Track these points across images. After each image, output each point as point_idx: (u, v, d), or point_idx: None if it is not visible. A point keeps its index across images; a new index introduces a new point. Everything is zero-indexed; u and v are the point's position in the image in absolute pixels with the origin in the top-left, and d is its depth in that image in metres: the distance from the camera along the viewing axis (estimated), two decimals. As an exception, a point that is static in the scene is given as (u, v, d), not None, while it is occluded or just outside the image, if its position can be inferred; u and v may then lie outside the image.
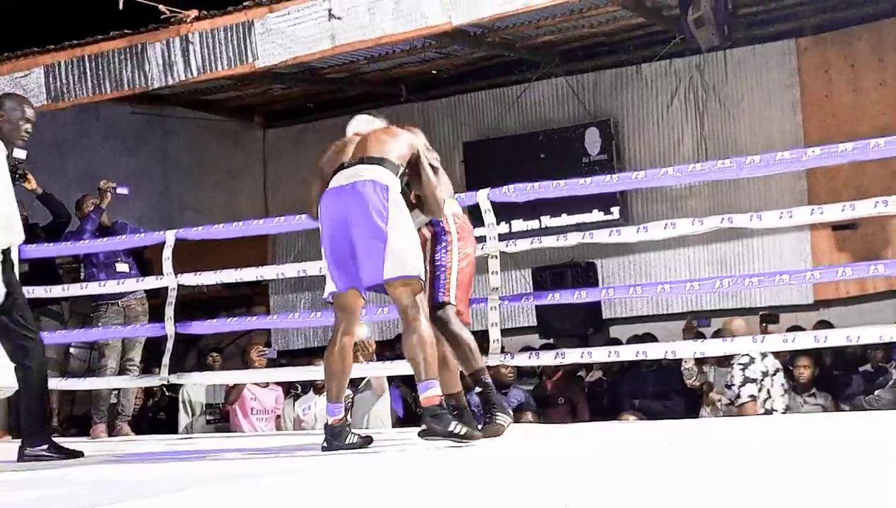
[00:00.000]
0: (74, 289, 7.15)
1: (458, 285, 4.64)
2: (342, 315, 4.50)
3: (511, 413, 4.68)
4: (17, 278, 5.03)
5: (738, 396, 6.91)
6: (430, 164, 4.65)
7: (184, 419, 8.06)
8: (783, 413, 6.90)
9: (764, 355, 6.80)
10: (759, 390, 6.94)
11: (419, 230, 4.64)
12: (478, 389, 4.70)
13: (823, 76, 9.29)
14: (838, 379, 7.64)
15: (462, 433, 4.20)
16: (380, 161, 4.45)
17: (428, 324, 4.34)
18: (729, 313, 8.91)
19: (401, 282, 4.32)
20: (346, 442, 4.49)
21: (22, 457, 4.83)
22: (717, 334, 7.69)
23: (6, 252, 4.88)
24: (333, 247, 4.42)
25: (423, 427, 4.27)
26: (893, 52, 9.01)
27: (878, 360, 7.36)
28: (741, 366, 6.95)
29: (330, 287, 4.46)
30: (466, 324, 4.71)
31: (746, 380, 6.95)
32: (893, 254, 8.67)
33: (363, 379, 7.16)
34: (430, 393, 4.25)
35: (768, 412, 6.93)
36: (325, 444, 4.49)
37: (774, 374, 7.00)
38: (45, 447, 4.85)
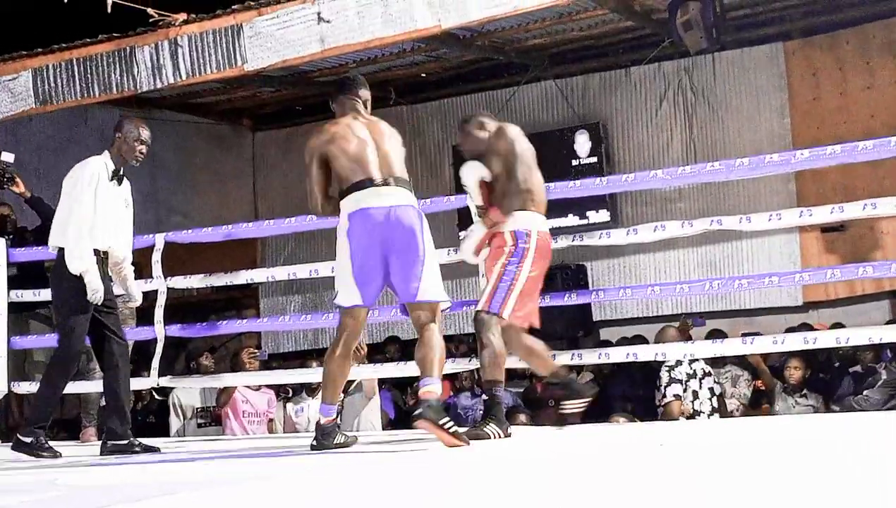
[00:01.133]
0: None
1: (517, 300, 4.79)
2: (352, 324, 4.65)
3: (506, 432, 4.73)
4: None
5: (664, 396, 7.05)
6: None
7: (175, 423, 8.03)
8: (709, 416, 7.00)
9: (694, 359, 6.92)
10: (685, 391, 7.10)
11: (496, 235, 4.85)
12: (485, 397, 4.90)
13: (811, 79, 9.33)
14: (828, 381, 7.66)
15: (451, 430, 4.33)
16: (407, 183, 4.65)
17: (440, 335, 4.55)
18: (719, 315, 8.95)
19: (429, 306, 4.55)
20: (335, 442, 4.61)
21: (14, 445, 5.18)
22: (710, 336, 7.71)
23: (100, 256, 5.21)
24: (364, 264, 4.54)
25: (418, 412, 4.38)
26: (881, 55, 9.05)
27: (868, 361, 7.38)
28: (667, 368, 7.13)
29: (353, 299, 4.56)
30: (530, 327, 4.96)
31: (672, 381, 7.11)
32: (882, 256, 8.70)
33: (352, 381, 7.16)
34: (435, 388, 4.43)
35: (696, 413, 7.04)
36: (314, 443, 4.59)
37: (703, 377, 7.11)
38: (31, 440, 5.15)
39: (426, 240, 4.57)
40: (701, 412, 7.11)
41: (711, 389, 7.18)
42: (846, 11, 8.97)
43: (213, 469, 4.34)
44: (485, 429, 4.70)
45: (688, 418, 7.06)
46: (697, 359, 6.97)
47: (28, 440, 5.15)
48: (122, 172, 5.36)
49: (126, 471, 4.56)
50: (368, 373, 6.78)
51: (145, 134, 5.35)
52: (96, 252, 5.19)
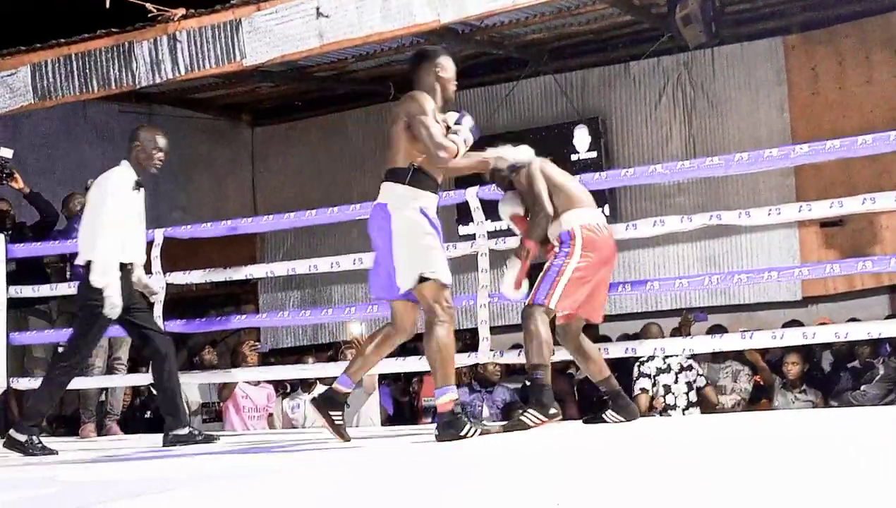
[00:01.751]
0: (62, 288, 7.12)
1: (565, 290, 4.77)
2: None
3: (548, 414, 4.70)
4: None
5: (632, 390, 7.12)
6: (423, 127, 4.59)
7: (178, 419, 8.03)
8: (685, 410, 7.02)
9: (669, 355, 6.96)
10: (653, 385, 7.19)
11: (549, 249, 4.89)
12: (527, 382, 4.90)
13: (811, 73, 9.32)
14: (827, 376, 7.67)
15: (475, 435, 4.41)
16: (390, 173, 4.64)
17: (448, 327, 4.53)
18: (718, 310, 8.95)
19: (417, 290, 4.54)
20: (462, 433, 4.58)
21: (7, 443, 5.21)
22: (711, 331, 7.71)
23: (128, 269, 5.33)
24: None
25: (438, 432, 4.47)
26: (880, 49, 9.04)
27: (866, 356, 7.39)
28: (638, 363, 7.23)
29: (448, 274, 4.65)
30: (592, 323, 5.04)
31: (640, 375, 7.22)
32: (881, 251, 8.71)
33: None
34: (444, 399, 4.46)
35: (670, 407, 7.07)
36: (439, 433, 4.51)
37: (680, 372, 7.13)
38: (25, 439, 5.18)
39: (393, 231, 4.51)
40: (675, 406, 7.13)
41: (689, 383, 7.21)
42: (845, 6, 8.97)
43: (211, 465, 4.34)
44: (522, 418, 4.70)
45: (661, 413, 7.08)
46: (673, 355, 6.99)
47: (22, 438, 5.19)
48: (141, 181, 5.44)
49: (125, 468, 4.56)
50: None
51: (162, 141, 5.45)
52: (122, 265, 5.28)
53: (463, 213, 8.17)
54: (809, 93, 9.31)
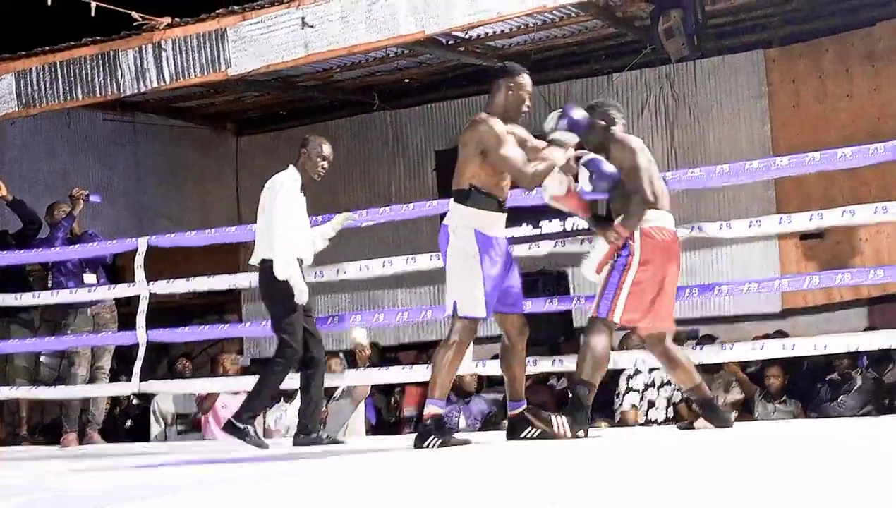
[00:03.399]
0: (45, 297, 7.12)
1: (628, 306, 4.70)
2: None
3: (576, 432, 4.69)
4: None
5: (622, 404, 7.16)
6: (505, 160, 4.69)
7: (155, 428, 8.03)
8: (662, 423, 7.06)
9: (653, 368, 6.96)
10: (641, 400, 7.21)
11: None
12: (570, 394, 4.89)
13: (791, 87, 9.40)
14: (806, 387, 7.72)
15: (436, 446, 4.55)
16: (455, 194, 4.78)
17: (456, 351, 4.68)
18: (698, 321, 9.00)
19: (454, 318, 4.72)
20: (524, 435, 4.83)
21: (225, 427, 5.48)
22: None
23: (300, 262, 5.52)
24: None
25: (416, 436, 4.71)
26: (860, 63, 9.13)
27: (844, 368, 7.45)
28: (627, 377, 7.22)
29: None
30: (666, 332, 4.89)
31: (629, 390, 7.22)
32: (860, 263, 8.78)
33: (337, 387, 7.18)
34: (426, 410, 4.67)
35: (650, 422, 7.10)
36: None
37: (661, 387, 7.17)
38: (244, 427, 5.42)
39: (448, 256, 4.75)
40: (655, 420, 7.16)
41: (668, 398, 7.27)
42: (826, 20, 9.06)
43: (194, 474, 4.34)
44: (553, 416, 4.72)
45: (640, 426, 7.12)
46: (656, 368, 7.00)
47: (241, 426, 5.41)
48: (304, 186, 5.64)
49: (108, 476, 4.56)
50: (355, 379, 6.79)
51: (327, 150, 5.64)
52: (298, 261, 5.49)
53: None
54: (790, 106, 9.39)
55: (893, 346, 6.28)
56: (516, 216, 8.99)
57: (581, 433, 4.69)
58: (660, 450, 4.29)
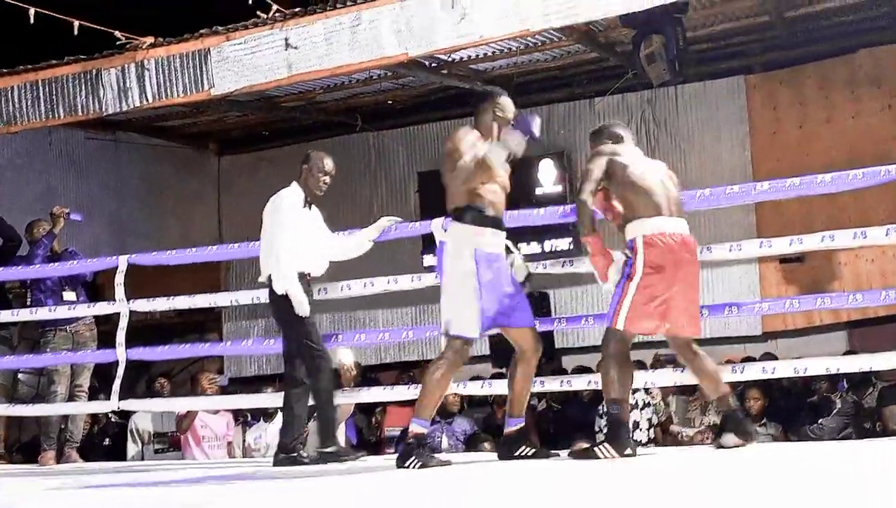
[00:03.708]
0: (24, 314, 7.07)
1: (633, 313, 4.65)
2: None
3: (623, 452, 4.62)
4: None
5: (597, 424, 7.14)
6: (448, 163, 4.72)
7: (132, 447, 7.98)
8: (644, 445, 7.07)
9: (635, 389, 6.96)
10: (641, 416, 7.16)
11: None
12: (604, 417, 4.86)
13: (772, 112, 9.48)
14: (787, 410, 7.75)
15: (416, 467, 4.53)
16: (448, 214, 4.77)
17: (446, 370, 4.66)
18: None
19: (448, 338, 4.70)
20: (518, 453, 4.83)
21: (322, 459, 5.40)
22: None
23: (306, 278, 5.51)
24: None
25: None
26: (840, 90, 9.22)
27: (824, 391, 7.48)
28: None
29: None
30: (691, 338, 4.84)
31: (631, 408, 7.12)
32: (839, 287, 8.84)
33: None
34: (410, 428, 4.68)
35: (635, 442, 7.09)
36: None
37: (643, 408, 7.18)
38: (335, 449, 5.43)
39: (444, 274, 4.71)
40: (639, 441, 7.15)
41: (649, 420, 7.28)
42: (807, 47, 9.15)
43: (176, 494, 4.32)
44: (595, 449, 4.67)
45: None
46: (638, 390, 7.01)
47: (331, 450, 5.41)
48: (309, 200, 5.66)
49: (88, 496, 4.53)
50: (347, 398, 6.76)
51: (329, 165, 5.66)
52: (301, 275, 5.47)
53: (428, 243, 8.22)
54: (770, 131, 9.47)
55: (873, 369, 6.32)
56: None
57: (629, 451, 4.66)
58: (658, 472, 4.29)
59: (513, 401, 4.92)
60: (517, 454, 4.86)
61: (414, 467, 4.56)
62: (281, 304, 5.44)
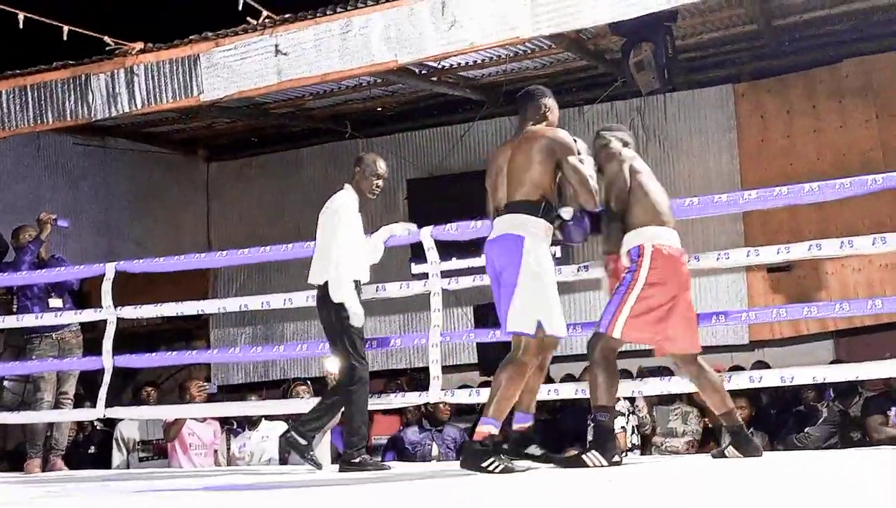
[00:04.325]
0: (10, 321, 7.05)
1: (631, 322, 4.62)
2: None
3: (611, 459, 4.62)
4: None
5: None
6: (579, 165, 4.67)
7: (117, 456, 7.94)
8: (628, 452, 7.07)
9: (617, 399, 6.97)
10: (627, 423, 7.18)
11: (621, 256, 4.73)
12: (590, 423, 4.82)
13: (759, 121, 9.52)
14: (773, 419, 7.76)
15: (497, 470, 4.43)
16: (517, 205, 4.64)
17: (523, 370, 4.56)
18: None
19: (514, 337, 4.61)
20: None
21: (343, 468, 5.34)
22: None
23: (359, 286, 5.48)
24: (494, 295, 4.75)
25: (463, 457, 4.61)
26: (826, 99, 9.26)
27: (811, 400, 7.49)
28: None
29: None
30: (693, 354, 4.79)
31: (617, 413, 7.10)
32: (826, 297, 8.86)
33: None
34: (481, 429, 4.52)
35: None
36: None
37: (629, 415, 7.23)
38: (360, 459, 5.34)
39: (522, 270, 4.56)
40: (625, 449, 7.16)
41: (635, 427, 7.28)
42: (794, 56, 9.19)
43: (163, 504, 4.30)
44: (583, 457, 4.66)
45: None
46: (621, 399, 6.99)
47: (357, 460, 5.33)
48: (361, 203, 5.60)
49: (82, 502, 4.51)
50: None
51: (382, 168, 5.61)
52: (356, 283, 5.44)
53: (416, 252, 8.21)
54: (758, 139, 9.50)
55: (859, 379, 6.33)
56: (466, 247, 9.10)
57: (617, 458, 4.66)
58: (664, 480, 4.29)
59: (528, 398, 4.84)
60: (527, 453, 4.81)
61: (495, 469, 4.46)
62: (332, 310, 5.39)
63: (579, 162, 4.69)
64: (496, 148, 5.03)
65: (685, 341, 4.80)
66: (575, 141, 4.78)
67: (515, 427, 4.88)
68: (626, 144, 4.99)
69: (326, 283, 5.42)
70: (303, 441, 5.46)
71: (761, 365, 8.05)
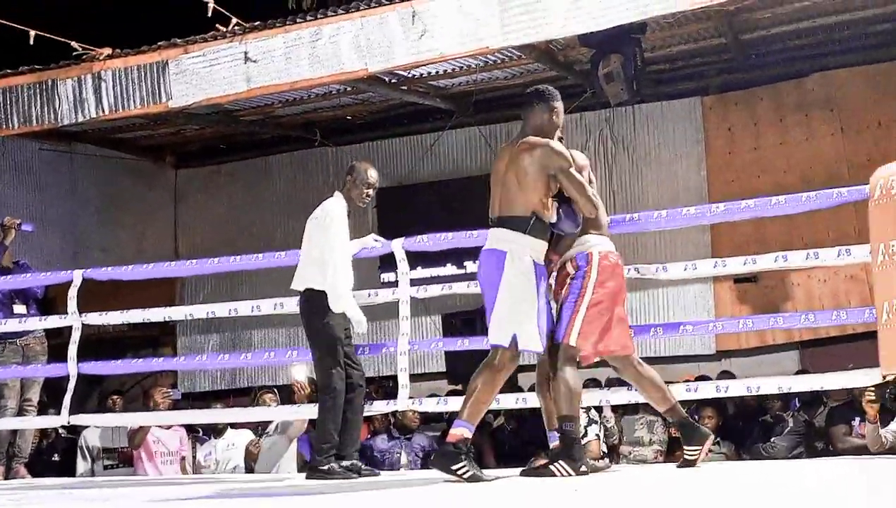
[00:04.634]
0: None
1: (585, 327, 4.66)
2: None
3: (579, 470, 4.62)
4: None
5: (586, 434, 7.13)
6: (575, 176, 4.70)
7: (82, 464, 7.86)
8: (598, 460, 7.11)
9: (587, 408, 6.98)
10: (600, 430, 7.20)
11: (565, 264, 4.76)
12: (558, 434, 4.75)
13: (727, 134, 9.59)
14: (740, 429, 7.81)
15: (465, 475, 4.45)
16: (506, 221, 4.65)
17: (498, 376, 4.59)
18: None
19: (493, 349, 4.62)
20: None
21: (310, 475, 5.32)
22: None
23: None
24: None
25: (433, 457, 4.64)
26: (793, 113, 9.34)
27: (777, 410, 7.55)
28: (584, 409, 7.18)
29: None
30: (629, 355, 4.84)
31: (591, 421, 7.19)
32: (792, 307, 8.93)
33: (270, 422, 7.11)
34: (454, 431, 4.54)
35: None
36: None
37: (590, 425, 7.24)
38: (328, 467, 5.29)
39: (502, 285, 4.57)
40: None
41: (598, 435, 7.30)
42: (761, 70, 9.28)
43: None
44: (551, 467, 4.66)
45: None
46: (590, 408, 7.01)
47: (325, 467, 5.29)
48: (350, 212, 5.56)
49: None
50: (290, 415, 6.72)
51: (373, 177, 5.57)
52: None
53: (385, 261, 8.20)
54: (725, 152, 9.57)
55: (824, 389, 6.39)
56: (455, 254, 9.09)
57: (584, 468, 4.67)
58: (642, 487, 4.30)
59: (550, 415, 4.85)
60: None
61: (464, 474, 4.46)
62: (318, 319, 5.36)
63: (575, 172, 4.71)
64: (501, 148, 4.97)
65: (625, 344, 4.89)
66: (570, 153, 4.79)
67: (553, 445, 4.85)
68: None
69: (310, 290, 5.39)
70: (325, 468, 5.33)
71: (727, 374, 8.10)
